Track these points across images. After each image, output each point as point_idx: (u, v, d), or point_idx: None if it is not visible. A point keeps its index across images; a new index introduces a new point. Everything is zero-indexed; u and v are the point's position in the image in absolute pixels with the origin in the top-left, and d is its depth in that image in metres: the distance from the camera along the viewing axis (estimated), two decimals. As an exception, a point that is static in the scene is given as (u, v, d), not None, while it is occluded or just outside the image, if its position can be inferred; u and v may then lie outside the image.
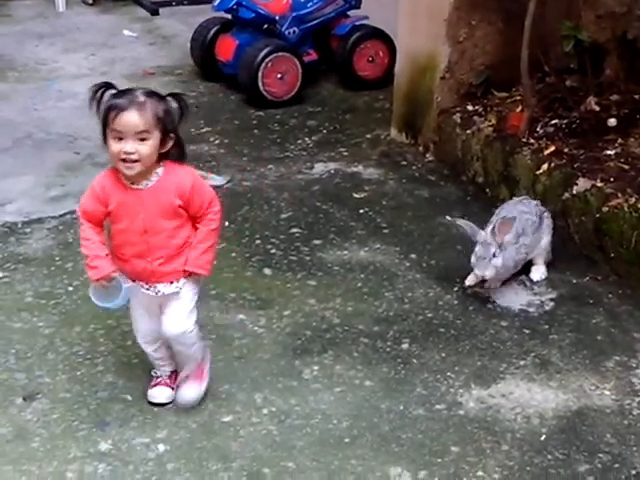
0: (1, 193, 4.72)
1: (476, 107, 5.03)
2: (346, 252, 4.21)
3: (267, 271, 4.08)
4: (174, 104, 2.83)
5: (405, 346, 3.52)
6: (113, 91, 2.80)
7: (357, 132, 5.62)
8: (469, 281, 3.78)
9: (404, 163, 5.19)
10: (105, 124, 2.75)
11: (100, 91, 2.78)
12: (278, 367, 3.40)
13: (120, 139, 2.71)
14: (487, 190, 4.71)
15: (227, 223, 4.51)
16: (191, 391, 3.15)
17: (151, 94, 2.80)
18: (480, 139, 4.77)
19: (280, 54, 5.93)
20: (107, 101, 2.75)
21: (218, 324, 3.67)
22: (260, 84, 5.91)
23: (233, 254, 4.21)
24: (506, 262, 3.72)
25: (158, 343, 3.13)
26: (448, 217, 4.04)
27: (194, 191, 2.87)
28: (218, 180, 4.70)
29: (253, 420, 3.13)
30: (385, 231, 4.40)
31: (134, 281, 2.94)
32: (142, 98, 2.75)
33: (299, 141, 5.52)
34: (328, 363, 3.42)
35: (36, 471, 2.88)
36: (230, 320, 3.70)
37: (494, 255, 3.65)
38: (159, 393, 3.18)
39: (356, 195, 4.80)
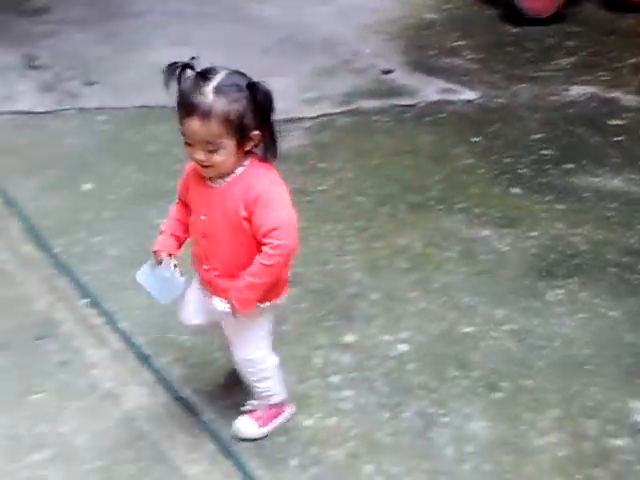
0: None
1: None
2: (599, 179, 4.10)
3: (515, 190, 4.05)
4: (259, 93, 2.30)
5: (655, 281, 3.43)
6: (189, 73, 2.30)
7: (618, 56, 5.39)
8: None
9: (668, 93, 4.94)
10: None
11: (177, 71, 2.30)
12: (521, 286, 3.41)
13: (189, 144, 2.31)
14: None
15: (477, 138, 4.51)
16: (246, 426, 2.72)
17: (225, 89, 2.25)
18: None
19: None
20: (180, 89, 2.30)
21: (463, 237, 3.71)
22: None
23: (481, 170, 4.21)
24: None
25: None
26: None
27: (257, 203, 2.33)
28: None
29: (493, 334, 3.17)
30: (642, 162, 4.24)
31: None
32: (210, 99, 2.23)
33: (555, 61, 5.37)
34: (573, 289, 3.39)
35: (286, 352, 3.04)
36: (475, 235, 3.73)
37: None
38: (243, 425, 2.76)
39: (613, 122, 4.64)
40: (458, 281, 3.43)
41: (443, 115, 4.80)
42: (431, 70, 5.35)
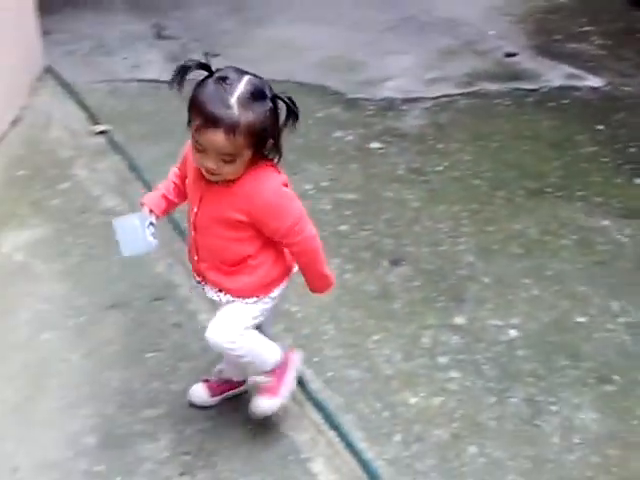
0: (383, 69, 4.94)
1: None
2: None
3: (638, 181, 3.94)
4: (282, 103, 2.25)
5: None
6: (203, 75, 2.21)
7: None
8: None
9: None
10: (189, 119, 2.21)
11: (188, 70, 2.22)
12: (639, 279, 3.33)
13: (201, 151, 2.21)
14: None
15: (600, 127, 4.40)
16: (263, 403, 2.62)
17: (250, 101, 2.16)
18: None
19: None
20: (194, 91, 2.19)
21: (580, 226, 3.64)
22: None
23: (604, 159, 4.11)
24: None
25: None
26: None
27: (265, 212, 2.30)
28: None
29: (608, 326, 3.10)
30: None
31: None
32: (236, 112, 2.14)
33: (690, 50, 5.18)
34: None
35: (395, 330, 3.09)
36: (593, 224, 3.65)
37: None
38: (196, 392, 2.75)
39: None
40: (573, 270, 3.37)
41: (566, 101, 4.70)
42: (556, 55, 5.23)
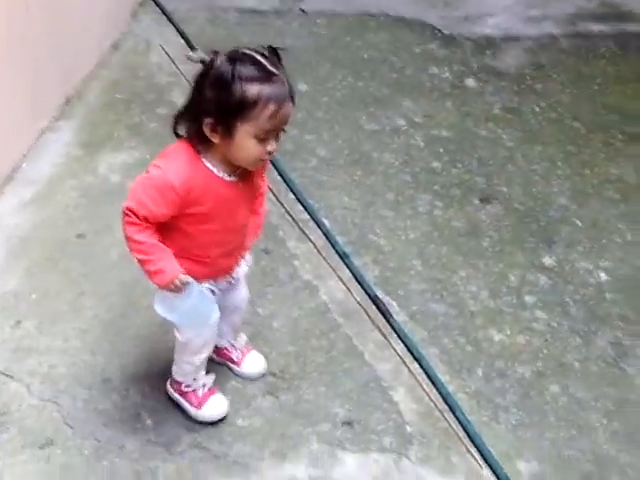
0: (483, 6, 4.83)
1: None
2: None
3: None
4: None
5: None
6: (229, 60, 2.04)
7: None
8: None
9: None
10: (237, 113, 2.02)
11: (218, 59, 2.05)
12: None
13: (264, 139, 2.07)
14: None
15: None
16: (259, 358, 2.69)
17: (279, 60, 2.08)
18: None
19: None
20: (240, 80, 2.01)
21: None
22: None
23: None
24: None
25: None
26: None
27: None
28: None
29: (702, 275, 3.04)
30: None
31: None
32: (283, 75, 2.05)
33: None
34: None
35: (483, 267, 3.08)
36: (694, 172, 3.54)
37: None
38: (220, 403, 2.57)
39: None
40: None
41: (673, 45, 4.54)
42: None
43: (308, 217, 3.29)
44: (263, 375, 2.66)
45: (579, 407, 2.57)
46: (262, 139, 2.07)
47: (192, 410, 2.53)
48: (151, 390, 2.60)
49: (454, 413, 2.55)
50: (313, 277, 3.02)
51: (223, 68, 2.03)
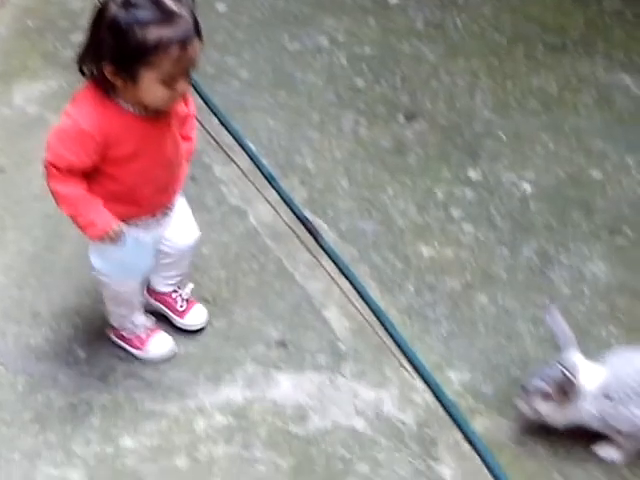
0: None
1: None
2: None
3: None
4: None
5: None
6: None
7: None
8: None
9: None
10: (138, 60, 1.92)
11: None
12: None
13: (173, 81, 1.97)
14: None
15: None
16: (203, 311, 2.62)
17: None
18: None
19: None
20: (137, 25, 1.89)
21: (601, 82, 3.57)
22: None
23: (628, 15, 4.00)
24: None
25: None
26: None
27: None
28: None
29: (622, 182, 3.10)
30: None
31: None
32: (186, 9, 1.93)
33: None
34: None
35: (410, 183, 3.09)
36: (614, 80, 3.58)
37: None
38: (164, 341, 2.53)
39: None
40: (591, 126, 3.34)
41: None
42: None
43: (233, 141, 3.24)
44: (202, 329, 2.59)
45: (507, 316, 2.63)
46: (169, 82, 1.96)
47: (137, 353, 2.49)
48: (82, 322, 2.58)
49: (386, 328, 2.59)
50: (241, 201, 3.00)
51: (117, 11, 1.91)
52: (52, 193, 2.09)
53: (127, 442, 2.31)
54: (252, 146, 3.22)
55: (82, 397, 2.40)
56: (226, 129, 3.30)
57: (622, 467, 2.27)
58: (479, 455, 2.26)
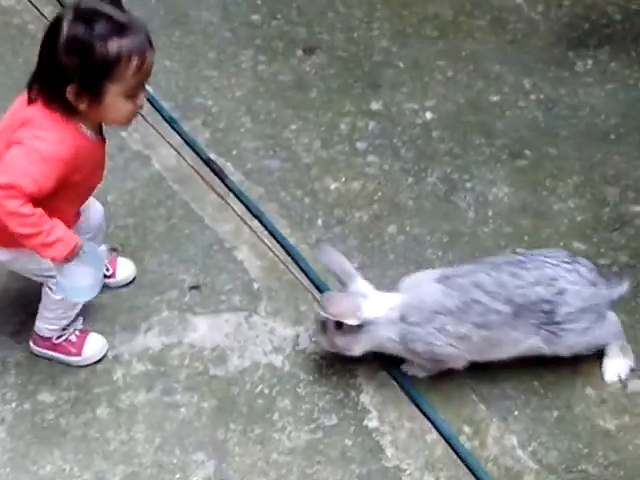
0: None
1: None
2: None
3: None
4: None
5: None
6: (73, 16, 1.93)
7: None
8: None
9: None
10: (103, 74, 1.94)
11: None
12: (551, 55, 3.35)
13: (134, 94, 2.01)
14: None
15: None
16: (127, 262, 2.59)
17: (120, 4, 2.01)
18: None
19: None
20: (99, 39, 1.91)
21: (494, 5, 3.60)
22: None
23: None
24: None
25: None
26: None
27: None
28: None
29: (520, 104, 3.15)
30: None
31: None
32: (135, 21, 1.98)
33: None
34: (603, 59, 3.33)
35: (313, 118, 3.09)
36: (506, 3, 3.60)
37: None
38: (98, 340, 2.41)
39: None
40: (487, 50, 3.38)
41: None
42: None
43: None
44: (134, 277, 2.55)
45: (416, 243, 2.68)
46: (132, 95, 2.00)
47: (72, 359, 2.36)
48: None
49: (298, 264, 2.61)
50: (143, 147, 2.95)
51: (74, 29, 1.91)
52: (10, 215, 1.96)
53: (45, 397, 2.29)
54: (149, 89, 3.14)
55: (-5, 356, 2.36)
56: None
57: (533, 379, 2.35)
58: (397, 382, 2.32)
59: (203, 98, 3.13)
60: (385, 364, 2.35)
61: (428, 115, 3.11)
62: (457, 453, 2.15)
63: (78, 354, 2.36)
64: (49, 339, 2.35)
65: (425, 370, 2.31)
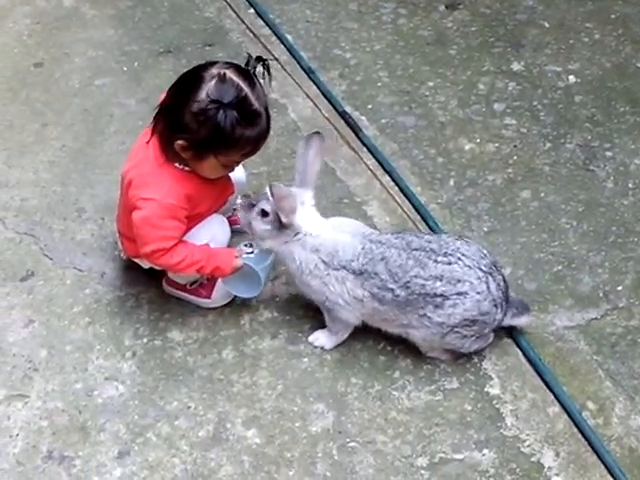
0: None
1: None
2: None
3: None
4: None
5: None
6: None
7: None
8: None
9: None
10: (213, 148, 2.11)
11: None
12: None
13: (233, 167, 2.24)
14: None
15: None
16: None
17: (269, 73, 2.19)
18: None
19: None
20: (224, 121, 2.06)
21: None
22: None
23: None
24: None
25: None
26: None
27: None
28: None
29: (670, 71, 3.03)
30: None
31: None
32: (264, 106, 2.13)
33: None
34: None
35: (451, 76, 3.04)
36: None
37: None
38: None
39: None
40: (639, 13, 3.24)
41: None
42: None
43: (270, 32, 3.20)
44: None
45: (549, 211, 2.62)
46: (228, 166, 2.19)
47: (202, 301, 2.44)
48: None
49: (427, 223, 2.59)
50: (280, 95, 2.97)
51: (207, 105, 2.04)
52: (168, 268, 2.28)
53: (175, 334, 2.36)
54: (289, 38, 3.16)
55: (130, 291, 2.44)
56: (262, 20, 3.24)
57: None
58: (522, 351, 2.29)
59: (341, 50, 3.12)
60: (510, 333, 2.32)
61: (571, 79, 3.02)
62: (580, 429, 2.11)
63: (208, 297, 2.43)
64: (182, 284, 2.44)
65: (330, 338, 2.31)
